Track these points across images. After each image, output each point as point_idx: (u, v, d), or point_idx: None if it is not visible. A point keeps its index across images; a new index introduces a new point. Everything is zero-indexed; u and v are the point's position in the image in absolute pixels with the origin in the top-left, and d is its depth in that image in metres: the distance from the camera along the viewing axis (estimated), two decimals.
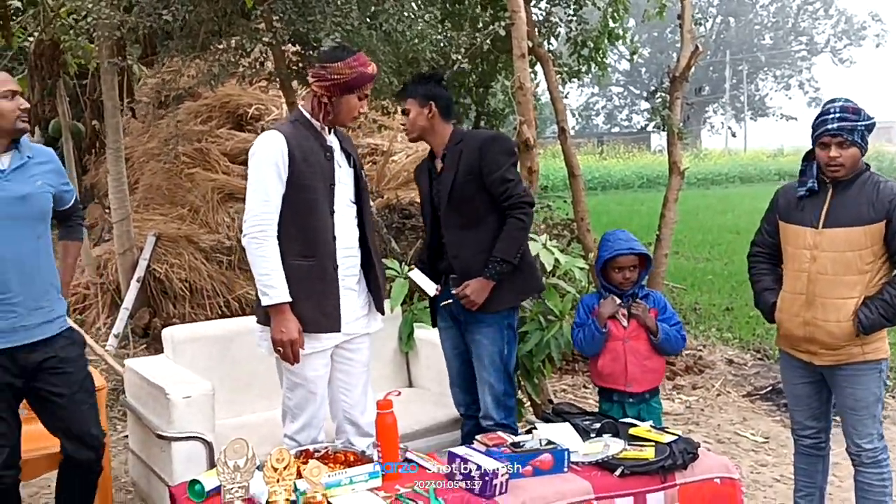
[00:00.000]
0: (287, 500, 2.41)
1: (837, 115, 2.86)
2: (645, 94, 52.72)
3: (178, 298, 6.58)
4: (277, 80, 5.37)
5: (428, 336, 4.02)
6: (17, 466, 2.89)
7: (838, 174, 2.90)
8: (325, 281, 2.92)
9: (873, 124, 2.88)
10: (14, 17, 6.95)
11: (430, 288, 3.33)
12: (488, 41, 4.60)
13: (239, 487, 2.39)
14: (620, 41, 6.79)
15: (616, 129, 51.75)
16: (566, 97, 6.84)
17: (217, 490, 2.49)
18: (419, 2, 4.83)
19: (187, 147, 7.30)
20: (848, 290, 2.89)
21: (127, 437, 3.89)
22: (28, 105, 2.83)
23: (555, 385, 5.32)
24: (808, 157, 3.04)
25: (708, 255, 12.03)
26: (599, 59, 6.88)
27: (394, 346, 4.07)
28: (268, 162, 2.88)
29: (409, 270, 3.45)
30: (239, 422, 3.45)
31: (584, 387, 5.38)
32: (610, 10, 6.55)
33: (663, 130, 6.19)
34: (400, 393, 2.92)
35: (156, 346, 5.86)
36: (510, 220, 3.22)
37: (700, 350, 6.34)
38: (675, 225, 6.21)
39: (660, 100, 6.07)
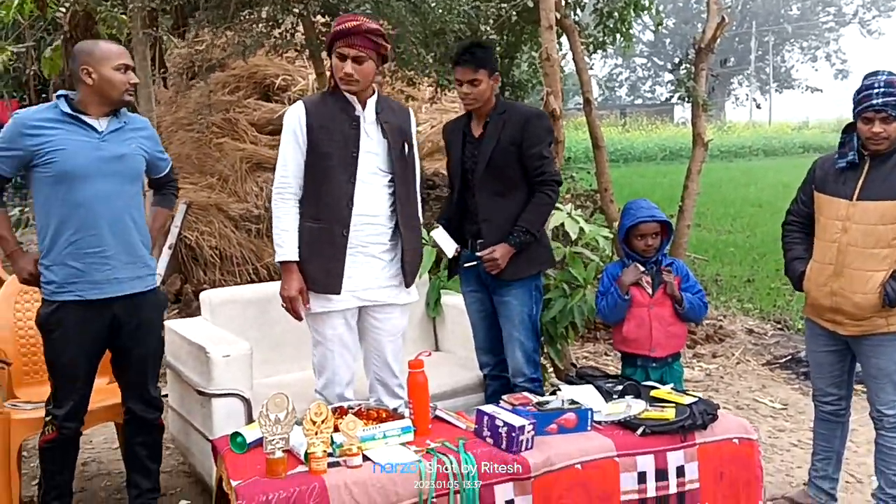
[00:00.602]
0: (325, 451, 2.54)
1: (882, 90, 2.90)
2: (669, 65, 52.19)
3: (208, 265, 6.74)
4: (307, 50, 5.46)
5: (454, 302, 4.13)
6: (81, 419, 3.08)
7: (881, 147, 2.96)
8: (333, 245, 3.04)
9: None
10: None
11: (450, 248, 3.42)
12: (515, 12, 4.65)
13: (280, 439, 2.53)
14: (645, 12, 6.79)
15: (639, 101, 51.31)
16: (591, 68, 6.86)
17: (258, 442, 2.63)
18: None
19: (216, 117, 7.42)
20: (877, 263, 2.96)
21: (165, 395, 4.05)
22: (137, 80, 3.03)
23: (577, 352, 5.44)
24: (849, 129, 3.09)
25: (730, 227, 12.04)
26: (625, 30, 6.90)
27: (421, 312, 4.19)
28: (288, 130, 3.08)
29: (433, 229, 3.52)
30: (273, 381, 3.59)
31: (606, 354, 5.48)
32: None
33: (688, 102, 6.23)
34: (430, 353, 3.04)
35: (187, 312, 6.02)
36: (539, 194, 3.35)
37: (720, 320, 6.42)
38: (697, 196, 6.27)
39: (685, 71, 6.08)
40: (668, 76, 52.00)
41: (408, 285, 3.22)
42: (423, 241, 3.54)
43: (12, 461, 3.25)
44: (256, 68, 7.97)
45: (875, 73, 2.99)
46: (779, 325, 6.30)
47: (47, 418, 3.03)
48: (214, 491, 2.84)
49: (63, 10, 7.25)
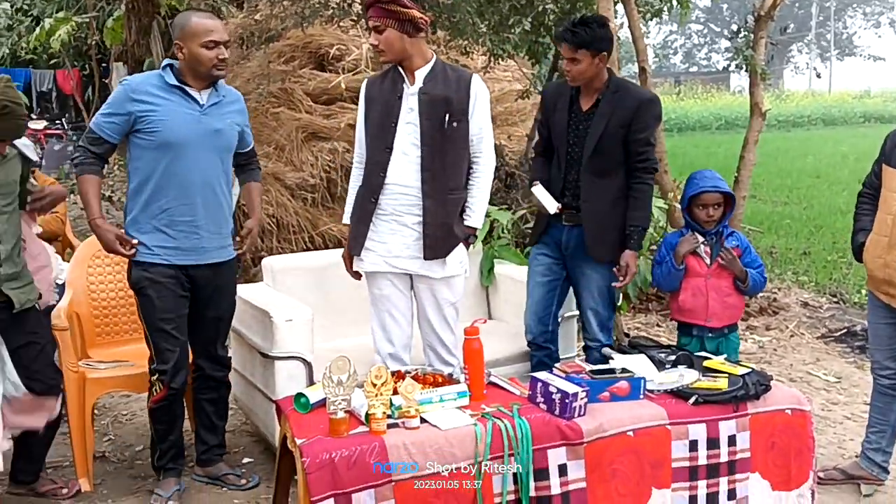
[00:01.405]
0: (384, 413, 2.64)
1: None
2: (726, 32, 50.99)
3: (265, 233, 6.88)
4: (363, 20, 5.50)
5: (507, 271, 4.19)
6: (186, 374, 3.21)
7: None
8: (363, 209, 3.23)
9: None
10: None
11: (552, 206, 3.41)
12: None
13: (342, 400, 2.62)
14: None
15: (694, 69, 50.30)
16: (647, 36, 6.79)
17: (321, 403, 2.74)
18: None
19: (272, 87, 7.52)
20: None
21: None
22: (226, 55, 3.08)
23: (629, 322, 5.46)
24: None
25: (787, 198, 11.84)
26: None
27: (475, 280, 4.25)
28: (360, 105, 3.30)
29: (532, 186, 3.51)
30: (333, 346, 3.67)
31: (658, 325, 5.50)
32: None
33: (746, 71, 6.14)
34: (486, 321, 3.11)
35: (246, 278, 6.17)
36: (640, 185, 3.38)
37: (775, 293, 6.36)
38: (753, 167, 6.19)
39: (742, 39, 5.99)
40: (725, 43, 50.91)
41: (426, 258, 3.20)
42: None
43: (87, 418, 3.43)
44: (311, 38, 8.02)
45: None
46: (834, 299, 6.23)
47: (153, 377, 3.15)
48: (278, 449, 2.97)
49: None
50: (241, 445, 3.81)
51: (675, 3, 6.77)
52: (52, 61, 11.50)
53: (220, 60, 3.06)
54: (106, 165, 3.23)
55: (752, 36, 6.01)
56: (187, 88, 3.07)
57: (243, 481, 3.38)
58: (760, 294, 6.15)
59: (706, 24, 49.84)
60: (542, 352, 3.65)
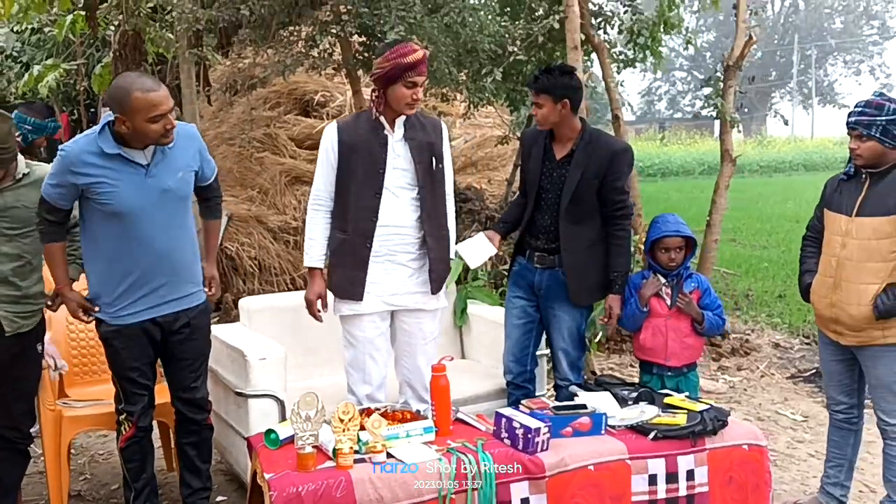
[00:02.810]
0: (351, 448, 2.72)
1: (858, 109, 3.07)
2: (712, 79, 51.81)
3: (247, 275, 6.99)
4: (344, 69, 5.69)
5: (480, 312, 4.30)
6: (151, 415, 3.25)
7: (859, 163, 3.11)
8: (356, 255, 3.27)
9: None
10: (98, 8, 7.38)
11: (476, 260, 3.53)
12: (542, 33, 4.81)
13: (310, 435, 2.71)
14: (676, 30, 6.90)
15: (679, 115, 51.04)
16: (622, 84, 7.01)
17: (290, 439, 2.82)
18: None
19: (257, 132, 7.69)
20: (870, 277, 3.07)
21: None
22: (173, 125, 2.91)
23: (603, 362, 5.56)
24: None
25: (766, 242, 12.03)
26: (655, 49, 7.02)
27: (448, 320, 4.34)
28: (322, 148, 3.34)
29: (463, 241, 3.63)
30: (306, 384, 3.75)
31: (631, 365, 5.59)
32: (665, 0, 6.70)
33: (717, 118, 6.34)
34: (452, 358, 3.20)
35: (227, 319, 6.25)
36: (619, 231, 3.51)
37: (749, 334, 6.48)
38: (725, 211, 6.38)
39: (711, 89, 6.20)
40: (708, 90, 51.72)
41: (434, 292, 3.38)
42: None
43: (63, 456, 3.48)
44: (296, 85, 8.24)
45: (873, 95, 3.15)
46: (807, 340, 6.35)
47: (121, 417, 3.17)
48: (249, 484, 3.04)
49: (112, 28, 7.61)
50: (216, 483, 3.83)
51: (647, 53, 6.98)
52: None
53: (166, 130, 2.90)
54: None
55: (721, 85, 6.22)
56: (127, 153, 2.92)
57: None
58: (734, 335, 6.29)
59: (689, 71, 50.69)
60: (520, 391, 3.73)
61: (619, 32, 6.38)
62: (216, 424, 3.76)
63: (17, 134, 3.63)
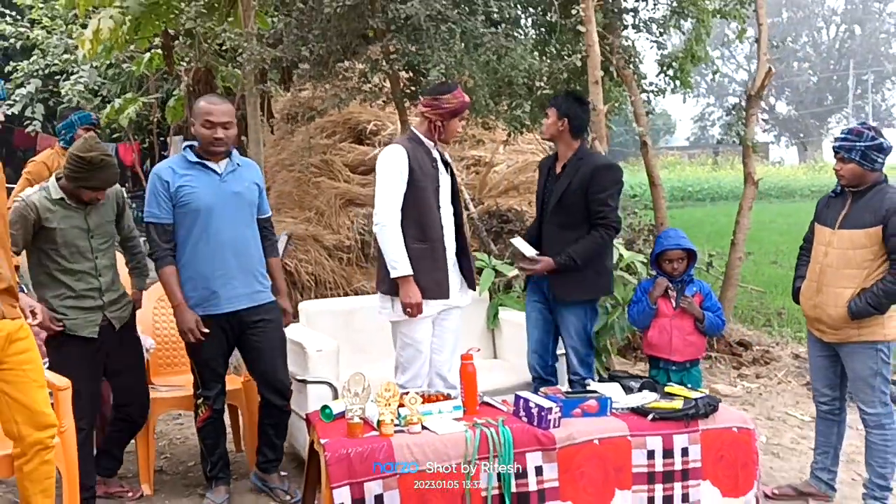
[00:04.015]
0: (392, 420, 3.26)
1: (842, 135, 3.53)
2: (763, 104, 51.63)
3: (304, 289, 7.59)
4: (393, 101, 6.29)
5: (510, 317, 4.82)
6: (224, 399, 3.87)
7: (843, 183, 3.56)
8: (437, 259, 3.78)
9: (879, 145, 3.48)
10: (173, 47, 8.17)
11: (529, 251, 4.03)
12: (566, 70, 5.35)
13: (358, 408, 3.26)
14: (703, 62, 7.37)
15: (734, 140, 50.80)
16: (652, 110, 7.49)
17: (341, 414, 3.37)
18: (513, 35, 5.63)
19: (314, 158, 8.35)
20: (847, 282, 3.51)
21: None
22: (221, 136, 3.59)
23: (623, 364, 5.99)
24: None
25: None
26: (685, 79, 7.50)
27: (482, 324, 4.89)
28: (393, 168, 3.76)
29: (512, 238, 4.21)
30: None
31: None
32: (693, 33, 7.18)
33: (740, 144, 6.79)
34: (479, 349, 3.73)
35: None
36: (594, 232, 3.98)
37: (772, 347, 6.85)
38: (748, 231, 6.81)
39: (733, 116, 6.66)
40: (763, 114, 51.53)
41: (472, 288, 3.98)
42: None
43: (150, 434, 4.08)
44: (350, 115, 8.88)
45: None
46: None
47: (199, 401, 3.80)
48: (307, 454, 3.59)
49: (184, 64, 8.38)
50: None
51: (678, 83, 7.46)
52: (114, 135, 12.53)
53: (215, 139, 3.56)
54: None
55: (744, 113, 6.67)
56: (206, 163, 3.64)
57: (288, 497, 3.91)
58: (757, 347, 6.67)
59: (741, 96, 50.52)
60: (543, 385, 4.23)
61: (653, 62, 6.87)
62: None
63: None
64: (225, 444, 3.97)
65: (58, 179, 3.55)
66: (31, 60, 10.24)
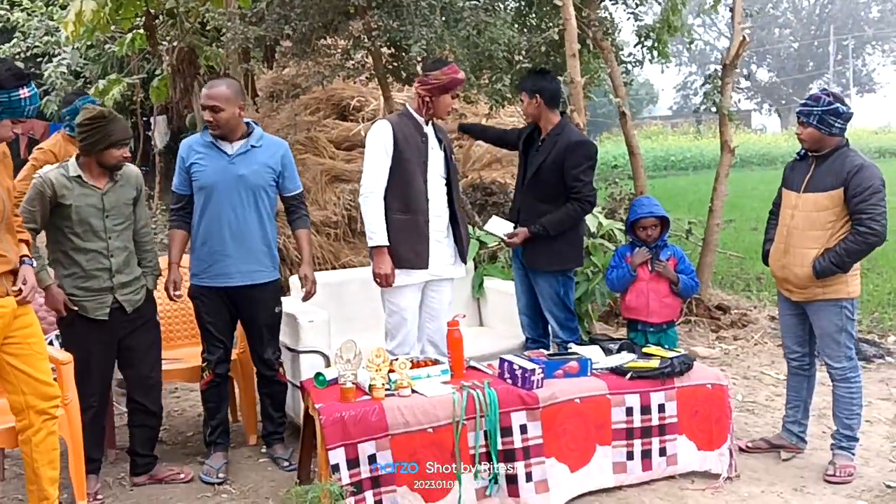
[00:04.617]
0: (383, 385, 3.42)
1: (803, 101, 3.69)
2: (744, 71, 51.82)
3: (293, 265, 7.71)
4: (376, 77, 6.40)
5: (495, 285, 4.99)
6: (227, 365, 4.05)
7: (804, 147, 3.73)
8: (419, 231, 3.92)
9: (835, 109, 3.63)
10: (156, 27, 8.21)
11: (506, 229, 4.21)
12: (544, 44, 5.46)
13: (350, 374, 3.42)
14: (679, 32, 7.50)
15: (710, 109, 50.93)
16: (629, 82, 7.62)
17: (334, 380, 3.53)
18: (491, 10, 5.74)
19: (299, 135, 8.44)
20: (812, 243, 3.69)
21: None
22: (211, 118, 3.79)
23: (606, 329, 6.18)
24: None
25: None
26: (662, 49, 7.64)
27: (468, 293, 5.05)
28: (377, 142, 3.92)
29: (486, 222, 4.36)
30: None
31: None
32: (670, 4, 7.31)
33: (715, 113, 6.95)
34: (465, 315, 3.89)
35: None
36: (568, 205, 4.14)
37: (750, 311, 7.06)
38: (725, 197, 6.97)
39: (710, 86, 6.80)
40: (745, 83, 51.67)
41: (464, 262, 4.11)
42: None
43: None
44: (334, 91, 8.96)
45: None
46: None
47: (203, 364, 3.98)
48: (302, 420, 3.76)
49: (167, 44, 8.43)
50: None
51: (655, 53, 7.59)
52: None
53: (206, 122, 3.82)
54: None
55: (720, 82, 6.82)
56: (219, 144, 3.83)
57: (286, 463, 4.06)
58: (735, 311, 6.88)
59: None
60: (536, 345, 4.42)
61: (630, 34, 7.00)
62: None
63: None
64: (227, 411, 4.14)
65: (77, 158, 3.61)
66: (11, 43, 10.23)
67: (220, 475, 3.93)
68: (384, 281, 3.89)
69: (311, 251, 4.16)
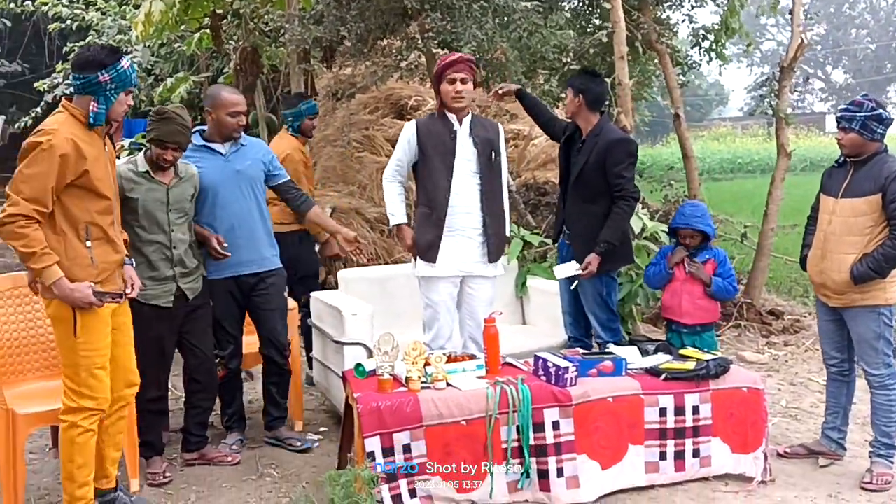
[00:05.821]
0: (419, 377, 3.53)
1: (844, 106, 3.67)
2: (820, 73, 50.48)
3: (347, 260, 7.87)
4: (429, 77, 6.52)
5: (537, 285, 5.05)
6: (239, 359, 4.24)
7: (844, 153, 3.71)
8: (434, 226, 4.04)
9: (879, 115, 3.61)
10: (222, 28, 8.48)
11: (570, 271, 4.23)
12: (593, 46, 5.50)
13: (388, 365, 3.53)
14: (738, 34, 7.44)
15: (789, 110, 49.73)
16: (683, 84, 7.58)
17: (374, 371, 3.66)
18: (545, 11, 5.80)
19: (357, 134, 8.62)
20: (849, 248, 3.67)
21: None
22: (244, 123, 4.06)
23: (650, 331, 6.17)
24: None
25: None
26: (720, 51, 7.59)
27: (511, 292, 5.13)
28: (402, 138, 4.15)
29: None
30: None
31: None
32: (728, 6, 7.25)
33: (773, 116, 6.87)
34: (501, 313, 3.96)
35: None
36: (616, 208, 4.16)
37: (805, 317, 6.95)
38: (780, 202, 6.88)
39: (766, 89, 6.73)
40: (819, 84, 50.31)
41: (490, 261, 4.12)
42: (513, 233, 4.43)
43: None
44: (392, 91, 9.14)
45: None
46: None
47: (217, 360, 4.14)
48: (343, 409, 3.89)
49: (232, 43, 8.70)
50: (318, 420, 4.74)
51: (713, 56, 7.55)
52: None
53: (238, 126, 4.03)
54: None
55: (777, 85, 6.74)
56: (211, 146, 4.04)
57: (299, 444, 4.26)
58: (788, 317, 6.79)
59: (800, 65, 49.34)
60: (578, 344, 4.46)
61: (688, 36, 6.97)
62: (320, 370, 4.68)
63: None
64: (241, 401, 4.36)
65: (145, 153, 3.84)
66: (86, 41, 10.67)
67: (234, 447, 4.22)
68: (410, 252, 4.13)
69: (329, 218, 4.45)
